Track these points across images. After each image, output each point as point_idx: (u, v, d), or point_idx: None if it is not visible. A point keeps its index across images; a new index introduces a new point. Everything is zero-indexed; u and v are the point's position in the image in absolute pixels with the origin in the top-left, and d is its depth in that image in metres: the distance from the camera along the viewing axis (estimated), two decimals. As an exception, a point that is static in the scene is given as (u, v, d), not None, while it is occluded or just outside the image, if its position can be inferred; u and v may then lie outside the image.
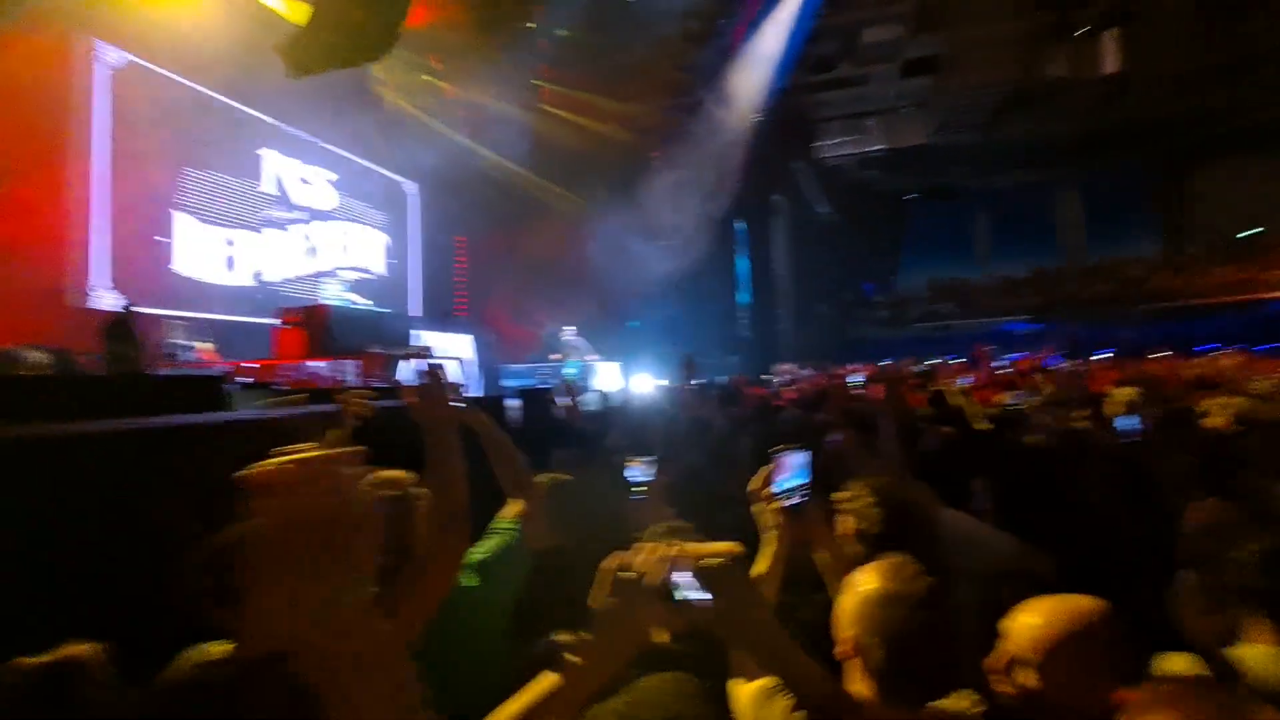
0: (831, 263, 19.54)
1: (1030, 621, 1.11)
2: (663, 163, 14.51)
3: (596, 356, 10.00)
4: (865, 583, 1.10)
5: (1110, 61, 13.95)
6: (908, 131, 17.35)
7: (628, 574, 0.82)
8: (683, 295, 14.69)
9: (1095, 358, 10.11)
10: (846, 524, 1.58)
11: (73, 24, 7.60)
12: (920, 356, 14.17)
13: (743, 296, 17.39)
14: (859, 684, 1.06)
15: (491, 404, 5.29)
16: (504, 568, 1.73)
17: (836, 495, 1.63)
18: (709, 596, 0.82)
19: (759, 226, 17.45)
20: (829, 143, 17.72)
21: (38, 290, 7.18)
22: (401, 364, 7.61)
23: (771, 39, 13.07)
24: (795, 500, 1.38)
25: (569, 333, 9.90)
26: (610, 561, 0.84)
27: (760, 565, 1.37)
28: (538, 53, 11.83)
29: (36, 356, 4.87)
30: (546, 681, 0.81)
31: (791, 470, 1.40)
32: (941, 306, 20.42)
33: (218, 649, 1.06)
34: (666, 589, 0.81)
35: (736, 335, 16.72)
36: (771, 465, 1.42)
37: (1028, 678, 1.08)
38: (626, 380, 11.46)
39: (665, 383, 8.81)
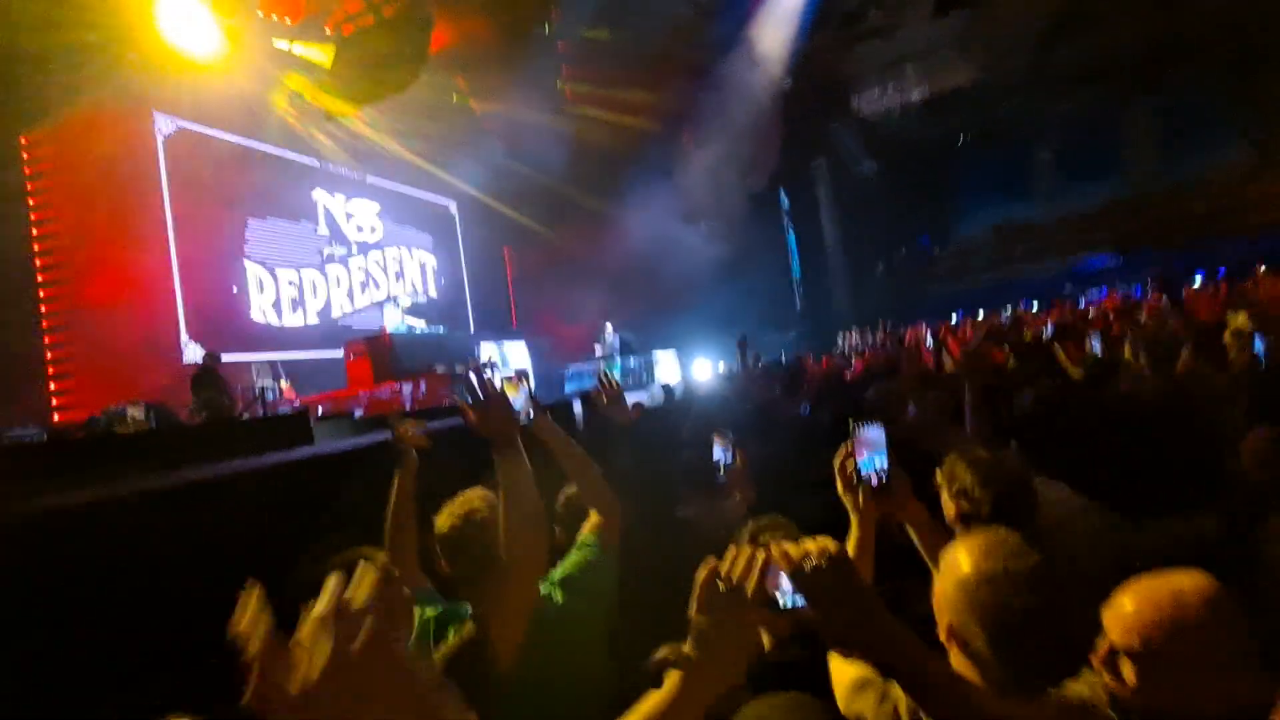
0: (883, 221, 18.81)
1: (1128, 606, 0.97)
2: (696, 145, 14.32)
3: (636, 351, 10.04)
4: (961, 562, 0.99)
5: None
6: (950, 73, 16.43)
7: (722, 583, 0.79)
8: (733, 276, 14.48)
9: (1193, 285, 9.33)
10: (949, 507, 1.49)
11: (130, 99, 8.15)
12: (994, 307, 13.50)
13: (794, 270, 17.02)
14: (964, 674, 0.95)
15: (556, 409, 5.39)
16: (590, 581, 1.67)
17: (939, 474, 1.53)
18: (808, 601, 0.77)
19: (803, 195, 17.01)
20: (866, 97, 17.00)
21: (134, 348, 7.78)
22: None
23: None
24: (878, 479, 1.30)
25: (609, 330, 9.90)
26: (704, 570, 0.81)
27: (848, 551, 1.28)
28: (558, 56, 11.88)
29: (134, 413, 5.27)
30: (653, 701, 0.79)
31: (871, 447, 1.31)
32: (1008, 252, 19.34)
33: None
34: (764, 596, 0.77)
35: (792, 310, 16.39)
36: (849, 443, 1.33)
37: (1129, 670, 0.95)
38: (685, 368, 11.44)
39: (723, 368, 8.72)
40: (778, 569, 0.77)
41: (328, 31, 8.31)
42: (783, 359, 9.97)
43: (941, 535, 1.32)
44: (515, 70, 10.99)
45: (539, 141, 12.60)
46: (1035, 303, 12.79)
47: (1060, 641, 0.96)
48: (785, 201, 16.48)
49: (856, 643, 0.79)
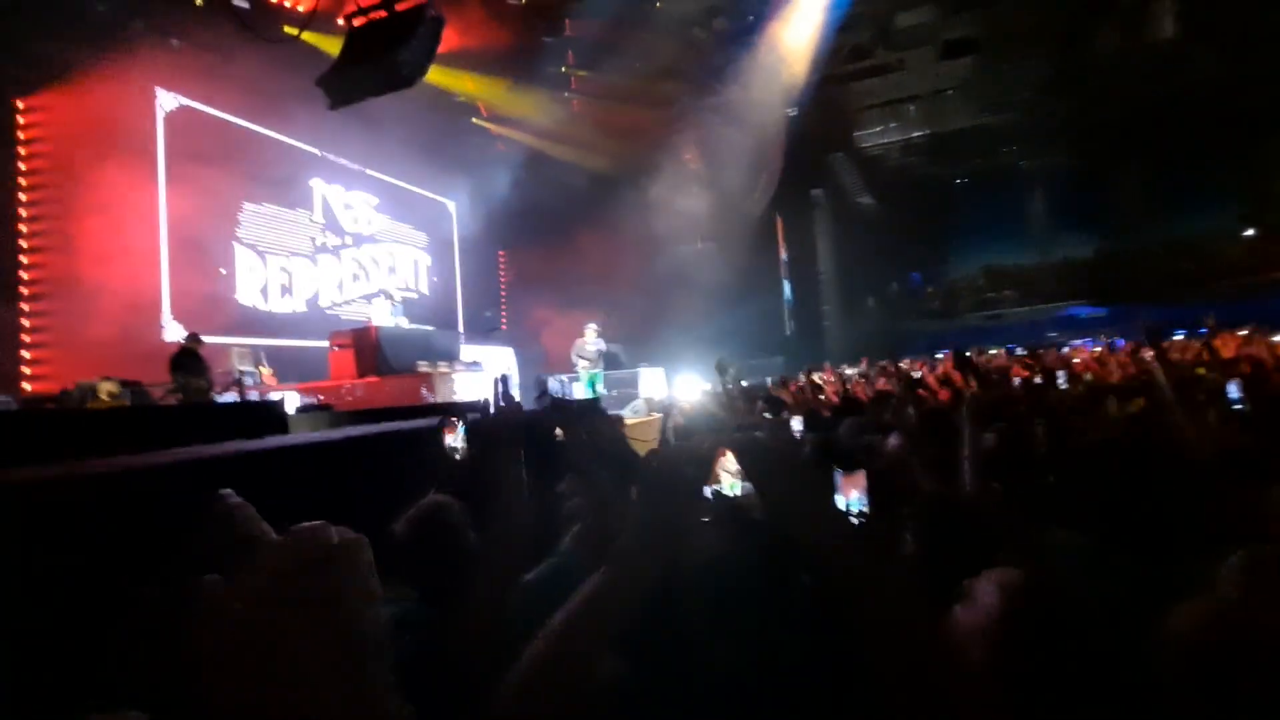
0: (877, 255, 19.02)
1: None
2: (697, 164, 14.45)
3: (623, 364, 9.91)
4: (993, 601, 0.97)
5: (1165, 26, 13.15)
6: (952, 114, 16.74)
7: (670, 459, 0.80)
8: (724, 296, 14.56)
9: (1175, 338, 9.48)
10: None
11: (133, 72, 8.08)
12: (981, 347, 13.65)
13: (786, 294, 17.13)
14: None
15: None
16: (551, 590, 1.70)
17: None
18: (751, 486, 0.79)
19: (799, 221, 17.16)
20: (869, 131, 17.27)
21: (114, 323, 7.65)
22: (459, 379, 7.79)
23: (802, 30, 12.86)
24: (859, 519, 1.31)
25: (589, 337, 9.66)
26: (648, 455, 0.82)
27: None
28: (568, 65, 11.98)
29: (108, 387, 5.18)
30: (589, 585, 0.79)
31: (855, 491, 1.33)
32: (997, 294, 19.61)
33: None
34: (710, 481, 0.80)
35: (780, 334, 16.47)
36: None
37: None
38: (670, 385, 11.43)
39: (708, 387, 8.73)
40: (722, 452, 0.81)
41: (339, 23, 8.33)
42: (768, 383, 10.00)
43: None
44: (523, 78, 11.07)
45: (542, 149, 12.66)
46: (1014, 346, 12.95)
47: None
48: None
49: (797, 522, 0.79)
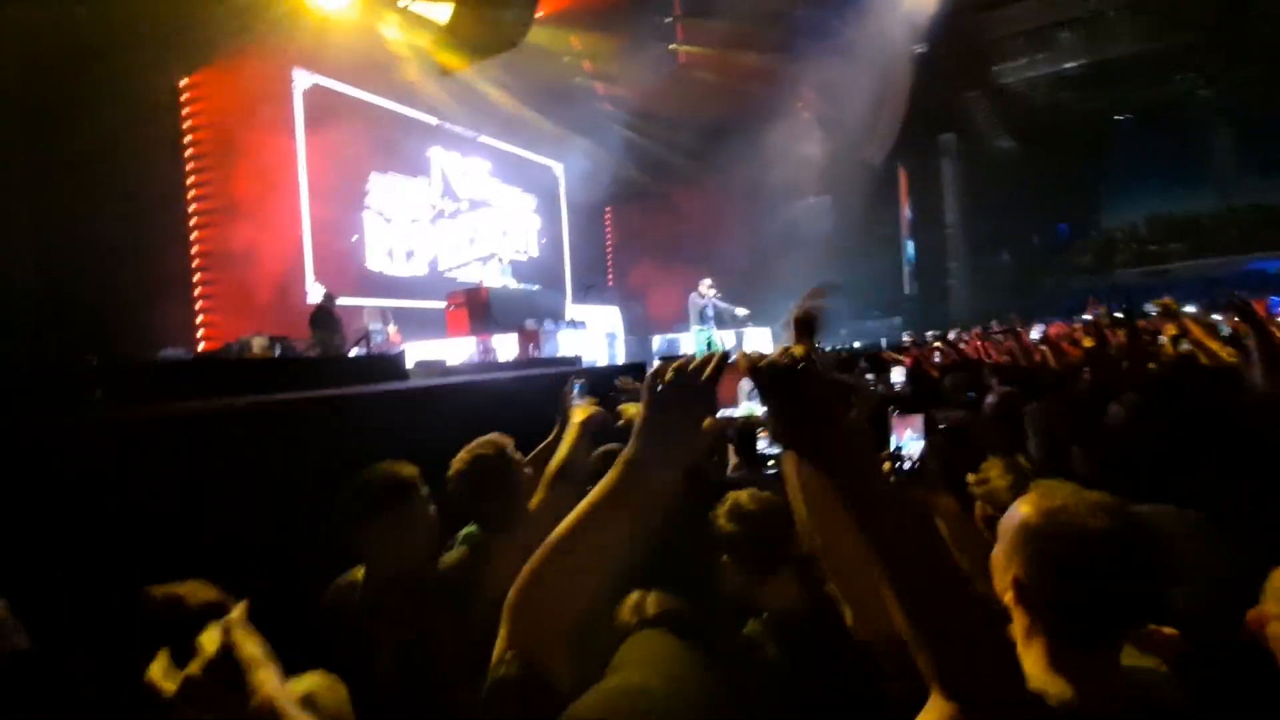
0: (1015, 205, 17.17)
1: None
2: (812, 111, 13.63)
3: (739, 314, 9.45)
4: (1022, 508, 0.92)
5: None
6: (1115, 39, 14.48)
7: (672, 374, 0.80)
8: (839, 252, 13.82)
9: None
10: (977, 508, 1.48)
11: (273, 53, 8.79)
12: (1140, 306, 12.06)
13: (907, 250, 15.99)
14: (1032, 647, 0.88)
15: (632, 370, 5.40)
16: None
17: (970, 477, 1.51)
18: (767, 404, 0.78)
19: (925, 170, 15.82)
20: (1011, 65, 15.34)
21: (266, 286, 8.56)
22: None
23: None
24: (908, 464, 1.31)
25: (704, 290, 9.30)
26: (658, 367, 0.83)
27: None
28: (674, 15, 11.60)
29: (260, 342, 5.81)
30: (596, 490, 0.79)
31: (909, 431, 1.33)
32: (1162, 246, 17.15)
33: None
34: (709, 390, 0.80)
35: (899, 293, 15.45)
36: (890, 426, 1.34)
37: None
38: (777, 345, 11.11)
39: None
40: (741, 372, 0.79)
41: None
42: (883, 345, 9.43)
43: (971, 528, 1.28)
44: (628, 32, 10.86)
45: (649, 105, 12.45)
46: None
47: (1137, 582, 0.86)
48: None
49: (807, 442, 0.78)
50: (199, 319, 8.20)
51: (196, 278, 8.19)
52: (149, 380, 3.56)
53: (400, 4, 8.78)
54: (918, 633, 0.71)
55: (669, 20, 11.65)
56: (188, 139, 8.11)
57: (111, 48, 6.34)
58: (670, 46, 11.97)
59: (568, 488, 1.58)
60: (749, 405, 0.85)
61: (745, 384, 0.81)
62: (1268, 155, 16.54)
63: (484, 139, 12.46)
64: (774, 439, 0.80)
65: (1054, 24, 14.40)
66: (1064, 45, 14.79)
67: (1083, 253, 18.39)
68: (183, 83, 7.99)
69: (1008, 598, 0.91)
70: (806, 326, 1.21)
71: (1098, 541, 0.84)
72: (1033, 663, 0.88)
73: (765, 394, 0.77)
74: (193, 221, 8.16)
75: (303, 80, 9.43)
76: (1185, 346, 3.29)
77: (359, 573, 1.55)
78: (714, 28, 11.40)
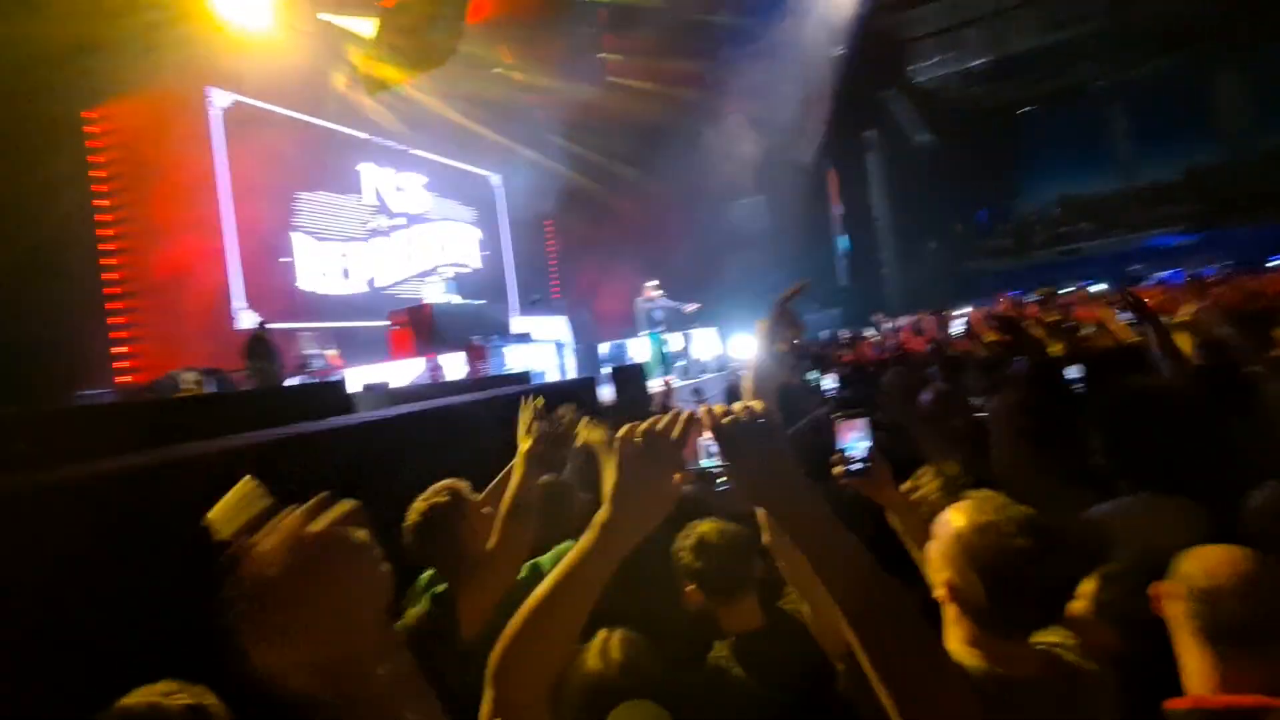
0: (937, 195, 18.00)
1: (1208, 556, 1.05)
2: (741, 114, 13.95)
3: (687, 310, 9.51)
4: (955, 519, 1.04)
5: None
6: (1017, 35, 15.42)
7: (640, 439, 0.81)
8: (776, 250, 14.17)
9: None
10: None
11: (186, 74, 8.41)
12: (1053, 285, 12.83)
13: (840, 244, 16.53)
14: (957, 630, 1.02)
15: (584, 385, 5.42)
16: None
17: (906, 485, 1.55)
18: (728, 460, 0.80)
19: (852, 166, 16.40)
20: (924, 64, 16.15)
21: (192, 315, 8.16)
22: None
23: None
24: (857, 465, 1.37)
25: (649, 294, 9.24)
26: (624, 430, 0.83)
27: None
28: (600, 25, 11.68)
29: (191, 377, 5.55)
30: (569, 556, 0.80)
31: (854, 433, 1.38)
32: (1074, 226, 18.28)
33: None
34: (677, 450, 0.81)
35: (836, 286, 15.96)
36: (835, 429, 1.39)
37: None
38: (724, 344, 11.32)
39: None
40: (702, 428, 0.82)
41: (376, 4, 8.41)
42: (822, 337, 9.74)
43: (917, 519, 1.36)
44: (556, 40, 10.88)
45: (582, 114, 12.48)
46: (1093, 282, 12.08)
47: (1052, 585, 1.01)
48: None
49: (768, 496, 0.82)
50: (119, 352, 7.74)
51: (114, 308, 7.72)
52: (73, 429, 3.35)
53: (321, 17, 8.54)
54: (881, 680, 0.75)
55: (595, 30, 11.73)
56: (98, 163, 7.66)
57: (11, 75, 5.96)
58: (598, 55, 12.05)
59: (519, 526, 1.56)
60: (708, 462, 0.88)
61: (705, 439, 0.85)
62: (1159, 136, 17.90)
63: (417, 152, 12.24)
64: (737, 496, 0.82)
65: (960, 24, 15.21)
66: (971, 43, 15.65)
67: (1003, 236, 19.42)
68: (89, 109, 7.55)
69: (940, 593, 1.04)
70: (790, 323, 1.29)
71: (1020, 558, 0.95)
72: (957, 643, 1.01)
73: (728, 451, 0.80)
74: (108, 249, 7.70)
75: (221, 99, 9.06)
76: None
77: None
78: (639, 37, 11.53)
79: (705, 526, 1.52)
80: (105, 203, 7.67)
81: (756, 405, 0.81)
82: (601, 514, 0.81)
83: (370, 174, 11.49)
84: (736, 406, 0.81)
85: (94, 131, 7.67)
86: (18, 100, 6.09)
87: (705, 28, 11.61)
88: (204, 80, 8.82)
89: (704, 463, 0.82)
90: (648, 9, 11.10)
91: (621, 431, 0.82)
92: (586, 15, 11.26)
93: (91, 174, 7.61)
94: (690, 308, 9.54)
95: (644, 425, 0.82)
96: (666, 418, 0.83)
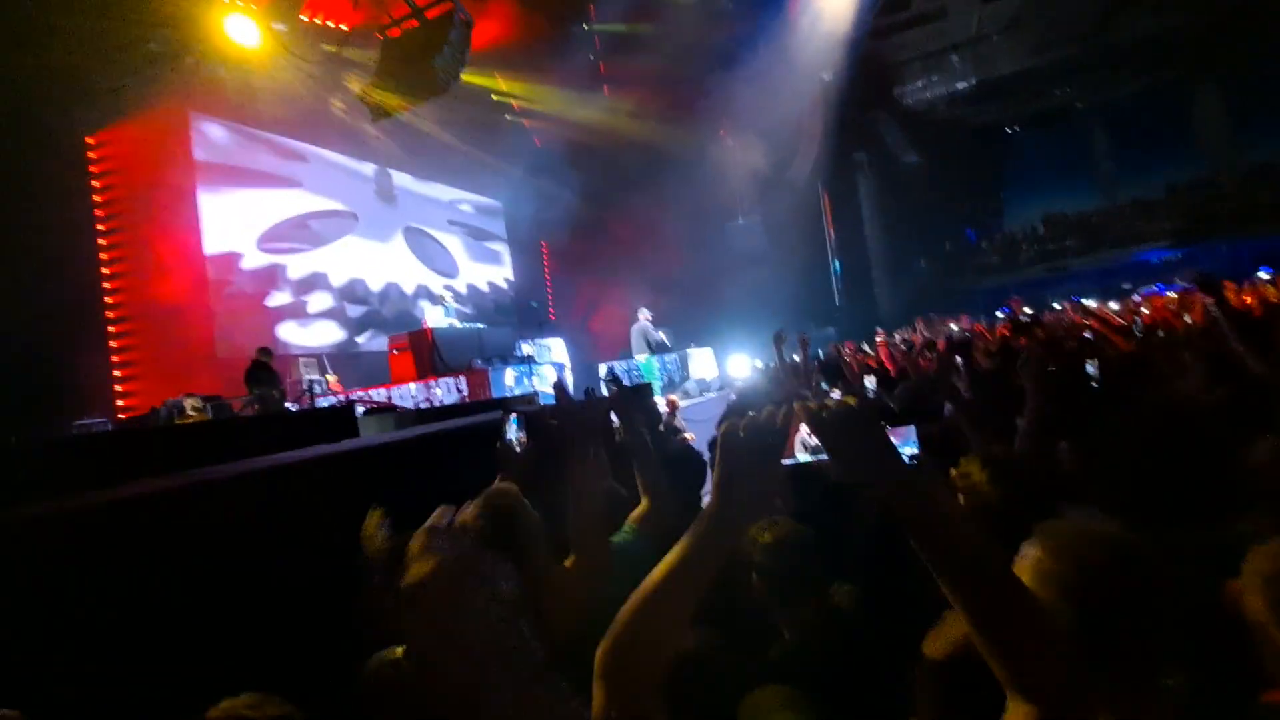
0: (926, 214, 18.31)
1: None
2: (735, 138, 14.18)
3: (670, 348, 9.68)
4: (1043, 542, 0.95)
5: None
6: (1000, 59, 15.85)
7: (743, 433, 0.83)
8: (771, 270, 14.32)
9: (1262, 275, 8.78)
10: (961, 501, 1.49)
11: (188, 103, 8.48)
12: (1039, 301, 13.00)
13: (834, 264, 16.73)
14: None
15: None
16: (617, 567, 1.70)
17: (953, 472, 1.53)
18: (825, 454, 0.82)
19: (843, 187, 16.67)
20: (910, 87, 16.55)
21: (193, 344, 8.15)
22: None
23: (834, -11, 12.40)
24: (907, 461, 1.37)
25: (643, 318, 9.46)
26: (729, 424, 0.85)
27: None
28: (596, 52, 11.91)
29: (192, 404, 5.53)
30: (676, 550, 0.82)
31: (899, 440, 1.37)
32: (1061, 243, 18.61)
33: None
34: (779, 441, 0.83)
35: (830, 305, 16.12)
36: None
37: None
38: (721, 365, 11.36)
39: (760, 365, 8.63)
40: (799, 426, 0.85)
41: (377, 37, 8.54)
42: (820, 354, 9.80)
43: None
44: (554, 67, 11.07)
45: (580, 138, 12.66)
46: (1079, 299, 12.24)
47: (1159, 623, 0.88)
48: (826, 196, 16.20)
49: (869, 479, 0.84)
50: (118, 383, 7.71)
51: (114, 339, 7.71)
52: (78, 457, 3.32)
53: (326, 49, 8.67)
54: (991, 647, 0.76)
55: (592, 57, 11.95)
56: (98, 194, 7.70)
57: (16, 103, 6.01)
58: (595, 80, 12.26)
59: (595, 539, 1.54)
60: (806, 456, 0.88)
61: (803, 433, 0.86)
62: (1139, 154, 18.34)
63: (416, 179, 12.35)
64: (844, 482, 0.85)
65: (945, 48, 15.61)
66: (955, 67, 16.06)
67: (990, 254, 19.73)
68: (91, 138, 7.61)
69: None
70: (779, 342, 1.32)
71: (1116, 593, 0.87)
72: None
73: (829, 441, 0.82)
74: (104, 274, 7.70)
75: (218, 132, 9.13)
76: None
77: (398, 651, 1.43)
78: (635, 63, 11.75)
79: (784, 528, 1.52)
80: (107, 225, 7.70)
81: (849, 398, 0.85)
82: (711, 505, 0.83)
83: (369, 200, 11.57)
84: (830, 400, 0.85)
85: (98, 155, 7.72)
86: (25, 122, 6.13)
87: (700, 53, 11.85)
88: (204, 111, 8.90)
89: (802, 456, 0.85)
90: (644, 35, 11.34)
91: (724, 426, 0.85)
92: (583, 43, 11.48)
93: (95, 198, 7.64)
94: (665, 338, 9.74)
95: (744, 419, 0.85)
96: (766, 410, 0.86)
